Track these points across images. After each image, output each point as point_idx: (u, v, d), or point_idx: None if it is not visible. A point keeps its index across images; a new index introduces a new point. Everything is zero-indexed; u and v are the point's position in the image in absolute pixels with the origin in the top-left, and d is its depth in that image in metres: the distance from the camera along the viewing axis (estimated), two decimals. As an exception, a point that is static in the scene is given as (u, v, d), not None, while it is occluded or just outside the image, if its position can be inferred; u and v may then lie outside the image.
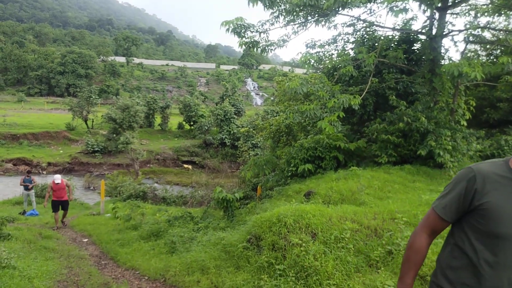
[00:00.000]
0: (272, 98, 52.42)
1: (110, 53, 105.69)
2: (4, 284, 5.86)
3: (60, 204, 13.47)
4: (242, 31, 11.03)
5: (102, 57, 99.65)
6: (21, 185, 17.75)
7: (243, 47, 11.59)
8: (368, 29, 12.77)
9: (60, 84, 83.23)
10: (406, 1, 9.42)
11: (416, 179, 8.93)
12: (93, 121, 44.26)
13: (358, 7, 10.23)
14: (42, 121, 45.08)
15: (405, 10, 9.53)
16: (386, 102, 11.42)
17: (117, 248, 9.70)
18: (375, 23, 12.10)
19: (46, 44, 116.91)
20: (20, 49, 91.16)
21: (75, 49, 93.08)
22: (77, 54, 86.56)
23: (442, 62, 10.86)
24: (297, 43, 10.94)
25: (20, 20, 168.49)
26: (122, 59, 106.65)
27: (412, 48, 12.54)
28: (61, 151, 37.46)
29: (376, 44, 11.83)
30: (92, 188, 28.91)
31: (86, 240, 11.54)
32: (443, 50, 11.05)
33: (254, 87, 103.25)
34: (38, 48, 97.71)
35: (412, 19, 12.33)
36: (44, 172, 33.24)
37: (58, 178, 13.55)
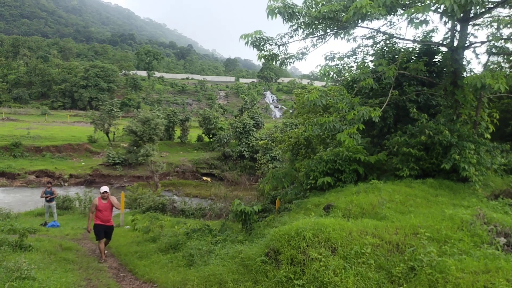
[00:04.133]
0: (291, 111, 52.42)
1: (131, 67, 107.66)
2: (24, 295, 5.89)
3: (104, 230, 10.53)
4: (261, 44, 11.08)
5: (124, 71, 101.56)
6: (42, 197, 18.03)
7: (262, 60, 11.62)
8: (388, 42, 12.68)
9: (83, 98, 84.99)
10: (426, 13, 9.32)
11: (438, 193, 8.73)
12: (114, 134, 44.85)
13: (377, 19, 10.16)
14: (64, 133, 45.92)
15: (425, 22, 9.42)
16: (407, 114, 11.26)
17: (136, 260, 9.72)
18: (395, 35, 12.02)
19: (70, 59, 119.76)
20: (45, 64, 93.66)
21: (98, 63, 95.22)
22: (99, 68, 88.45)
23: (464, 74, 10.69)
24: (316, 56, 10.96)
25: (45, 36, 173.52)
26: (143, 73, 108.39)
27: (433, 60, 12.38)
28: (83, 163, 38.00)
29: (396, 56, 11.72)
30: (112, 200, 29.14)
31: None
32: (465, 62, 10.89)
33: (273, 100, 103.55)
34: (62, 63, 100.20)
35: (432, 31, 12.21)
36: (66, 184, 33.73)
37: (105, 189, 10.74)
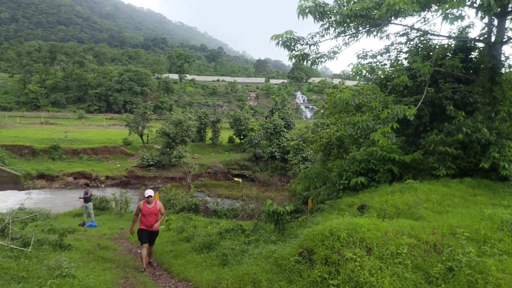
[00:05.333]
0: (322, 111, 52.02)
1: (164, 71, 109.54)
2: (64, 293, 6.07)
3: (148, 235, 9.86)
4: (292, 44, 11.04)
5: (156, 75, 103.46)
6: (80, 198, 18.61)
7: (293, 60, 11.57)
8: (422, 38, 12.39)
9: (117, 101, 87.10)
10: (462, 8, 9.07)
11: (477, 192, 8.47)
12: (148, 136, 45.71)
13: (411, 15, 9.97)
14: (100, 136, 47.14)
15: (461, 17, 9.17)
16: (443, 112, 10.98)
17: (171, 259, 9.88)
18: (430, 31, 11.74)
19: (105, 63, 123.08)
20: (81, 69, 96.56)
21: (131, 67, 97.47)
22: (133, 72, 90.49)
23: (503, 70, 10.33)
24: (348, 55, 10.82)
25: (81, 41, 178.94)
26: (175, 76, 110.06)
27: (470, 56, 12.01)
28: (118, 165, 38.92)
29: (431, 53, 11.45)
30: (146, 200, 29.70)
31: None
32: (503, 58, 10.52)
33: (303, 100, 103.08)
34: (97, 67, 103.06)
35: (468, 26, 11.85)
36: (103, 185, 34.64)
37: (150, 193, 9.96)
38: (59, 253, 8.70)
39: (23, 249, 4.64)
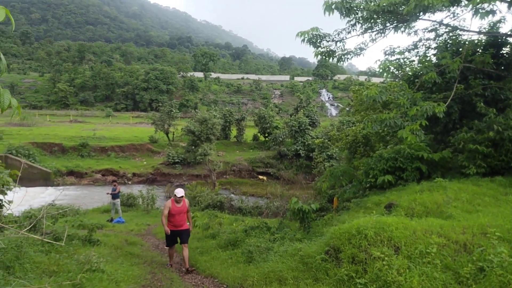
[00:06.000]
0: (347, 109, 51.48)
1: (189, 69, 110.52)
2: (94, 287, 6.22)
3: (178, 235, 9.40)
4: (318, 41, 10.97)
5: (182, 73, 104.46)
6: (108, 194, 19.01)
7: (319, 57, 11.50)
8: (451, 34, 12.11)
9: (144, 100, 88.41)
10: (493, 3, 8.83)
11: (508, 191, 8.23)
12: (173, 134, 46.23)
13: (440, 11, 9.78)
14: (127, 134, 47.97)
15: (492, 12, 8.95)
16: (473, 109, 10.71)
17: (197, 256, 9.97)
18: (459, 27, 11.46)
19: (131, 62, 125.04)
20: (108, 68, 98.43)
21: (157, 66, 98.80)
22: (159, 71, 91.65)
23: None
24: (374, 52, 10.68)
25: (108, 41, 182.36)
26: (200, 74, 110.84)
27: (501, 52, 11.66)
28: (145, 163, 39.51)
29: (461, 49, 11.18)
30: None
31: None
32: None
33: (328, 98, 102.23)
34: (124, 66, 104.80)
35: (500, 21, 11.50)
36: (130, 182, 35.26)
37: (181, 193, 9.42)
38: (89, 248, 8.90)
39: (56, 243, 4.78)
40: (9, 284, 4.89)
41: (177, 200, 9.30)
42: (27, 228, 4.45)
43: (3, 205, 7.87)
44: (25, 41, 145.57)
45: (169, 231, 9.12)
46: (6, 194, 7.99)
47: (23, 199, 6.43)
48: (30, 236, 4.05)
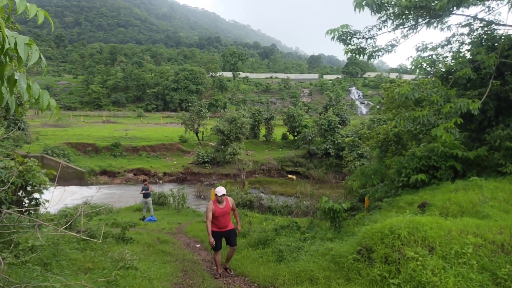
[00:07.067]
0: (378, 106, 50.72)
1: (218, 69, 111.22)
2: (128, 284, 6.34)
3: (224, 236, 8.54)
4: (348, 38, 10.85)
5: (211, 73, 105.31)
6: (140, 193, 19.36)
7: (349, 54, 11.36)
8: (486, 29, 11.73)
9: (173, 100, 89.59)
10: (531, -5, 8.54)
11: (548, 190, 7.94)
12: (203, 134, 46.63)
13: (474, 5, 9.50)
14: (158, 134, 48.66)
15: (530, 4, 8.63)
16: (510, 106, 10.36)
17: (227, 254, 10.02)
18: (495, 21, 11.10)
19: (162, 63, 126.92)
20: (139, 69, 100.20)
21: (187, 66, 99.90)
22: (188, 72, 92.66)
23: None
24: (405, 48, 10.45)
25: (139, 42, 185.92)
26: (229, 74, 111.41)
27: (540, 46, 11.24)
28: (175, 162, 40.03)
29: (496, 44, 10.82)
30: (202, 196, 30.41)
31: (198, 245, 12.10)
32: None
33: (358, 96, 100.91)
34: (154, 67, 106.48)
35: (538, 14, 11.10)
36: (161, 181, 35.79)
37: (222, 191, 8.42)
38: (122, 246, 9.10)
39: (93, 240, 4.91)
40: (47, 280, 5.04)
41: (219, 200, 8.37)
42: (64, 226, 4.58)
43: (41, 203, 8.16)
44: (59, 44, 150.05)
45: (214, 242, 8.18)
46: (43, 193, 8.28)
47: (60, 198, 6.62)
48: (67, 233, 4.16)
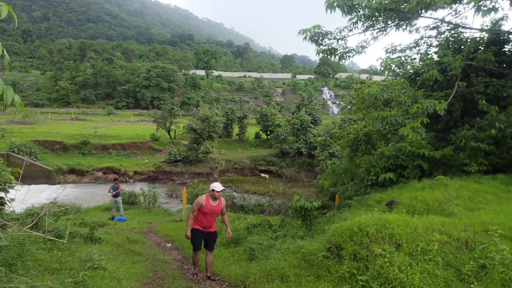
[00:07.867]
0: (349, 107, 51.47)
1: (191, 67, 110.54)
2: (96, 284, 6.22)
3: (204, 238, 7.89)
4: (320, 38, 10.97)
5: (183, 71, 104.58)
6: (109, 192, 19.03)
7: (321, 55, 11.49)
8: (453, 31, 12.09)
9: (145, 97, 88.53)
10: (495, 0, 8.84)
11: (510, 189, 8.23)
12: (175, 132, 46.25)
13: (442, 8, 9.76)
14: (129, 132, 47.97)
15: (494, 9, 8.94)
16: (475, 107, 10.72)
17: (199, 253, 9.97)
18: (461, 24, 11.45)
19: (133, 60, 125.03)
20: (109, 66, 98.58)
21: (158, 64, 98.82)
22: (160, 69, 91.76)
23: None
24: (375, 50, 10.67)
25: (109, 38, 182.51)
26: (202, 72, 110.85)
27: (503, 49, 11.64)
28: (146, 161, 39.56)
29: (463, 46, 11.17)
30: (174, 195, 30.19)
31: (169, 245, 12.01)
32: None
33: (330, 96, 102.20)
34: (125, 64, 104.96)
35: (502, 19, 11.47)
36: (131, 180, 35.31)
37: (219, 187, 7.76)
38: (90, 246, 8.92)
39: (59, 240, 4.81)
40: (12, 282, 4.91)
41: (215, 196, 7.69)
42: (30, 225, 4.48)
43: (5, 203, 7.93)
44: (26, 39, 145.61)
45: (190, 236, 7.77)
46: (8, 192, 8.05)
47: (25, 197, 6.45)
48: (32, 233, 4.06)
